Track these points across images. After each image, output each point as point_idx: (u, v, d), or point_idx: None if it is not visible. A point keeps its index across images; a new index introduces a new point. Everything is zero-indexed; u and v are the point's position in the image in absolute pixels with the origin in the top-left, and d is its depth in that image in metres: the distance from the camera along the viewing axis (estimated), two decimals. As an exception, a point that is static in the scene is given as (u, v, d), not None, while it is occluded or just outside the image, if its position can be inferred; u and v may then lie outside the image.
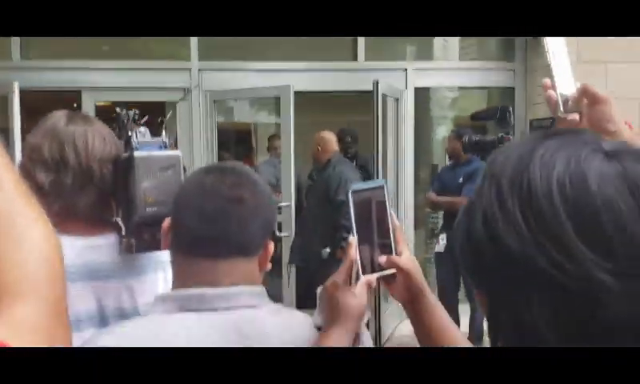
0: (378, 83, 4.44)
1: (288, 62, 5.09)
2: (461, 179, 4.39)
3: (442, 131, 6.91)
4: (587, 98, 0.91)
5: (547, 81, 0.94)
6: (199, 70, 4.99)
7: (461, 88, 5.75)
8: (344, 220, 3.72)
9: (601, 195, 0.52)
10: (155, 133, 1.36)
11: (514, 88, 5.10)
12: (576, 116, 0.91)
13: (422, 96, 5.88)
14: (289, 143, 4.53)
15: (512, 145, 0.61)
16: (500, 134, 2.76)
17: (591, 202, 0.52)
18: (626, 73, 4.59)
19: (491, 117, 3.20)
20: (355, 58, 5.14)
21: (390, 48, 5.40)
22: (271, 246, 1.07)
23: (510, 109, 3.23)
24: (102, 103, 5.14)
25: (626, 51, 4.49)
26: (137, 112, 1.64)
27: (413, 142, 5.13)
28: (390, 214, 1.00)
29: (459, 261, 0.62)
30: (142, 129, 1.35)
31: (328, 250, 3.92)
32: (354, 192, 0.97)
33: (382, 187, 0.99)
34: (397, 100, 5.02)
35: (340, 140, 4.93)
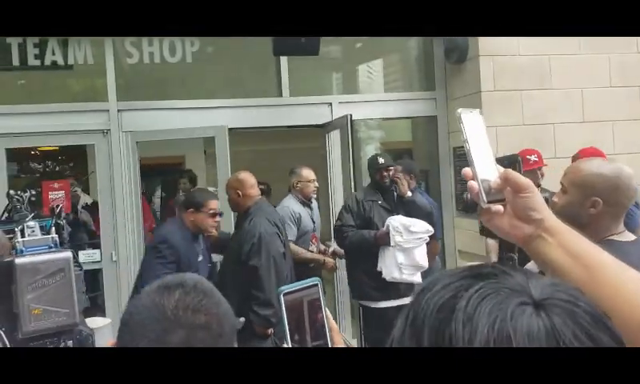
0: (351, 116, 4.64)
1: (212, 99, 5.03)
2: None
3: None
4: (510, 186, 0.85)
5: (467, 170, 0.87)
6: (118, 110, 4.82)
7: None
8: (255, 290, 3.27)
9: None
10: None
11: (436, 117, 5.22)
12: (500, 208, 0.85)
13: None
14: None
15: (435, 281, 0.56)
16: None
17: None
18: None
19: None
20: (280, 93, 5.13)
21: (315, 83, 5.43)
22: None
23: (519, 158, 3.26)
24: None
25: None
26: (32, 193, 1.53)
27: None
28: (326, 313, 0.95)
29: None
30: (32, 223, 1.24)
31: (242, 319, 3.24)
32: (285, 294, 0.91)
33: (315, 285, 0.93)
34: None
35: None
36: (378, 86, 5.97)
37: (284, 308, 0.90)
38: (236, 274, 3.37)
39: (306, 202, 4.42)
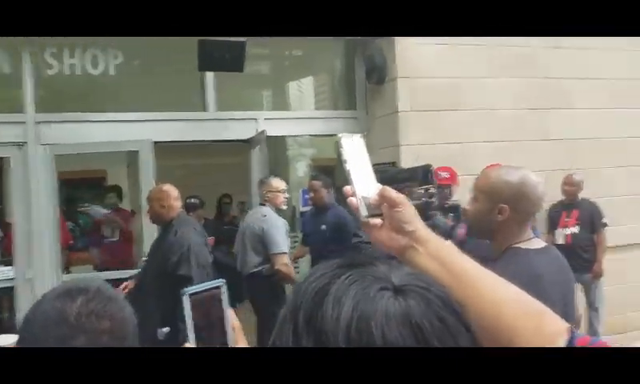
0: (265, 132, 4.67)
1: (135, 112, 4.98)
2: (323, 226, 4.55)
3: (297, 174, 7.15)
4: (386, 202, 0.93)
5: (347, 188, 0.94)
6: (36, 122, 4.68)
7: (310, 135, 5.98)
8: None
9: (383, 338, 0.54)
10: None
11: (358, 135, 5.40)
12: (377, 221, 0.93)
13: (277, 141, 6.03)
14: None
15: (315, 271, 0.63)
16: (423, 199, 2.76)
17: (372, 345, 0.54)
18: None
19: (413, 178, 3.27)
20: (205, 108, 5.16)
21: (242, 99, 5.50)
22: None
23: (432, 168, 3.26)
24: None
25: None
26: None
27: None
28: (228, 313, 0.98)
29: None
30: None
31: (167, 329, 3.26)
32: (191, 294, 0.94)
33: (219, 287, 0.97)
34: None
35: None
36: (304, 104, 6.12)
37: (189, 308, 0.93)
38: (161, 285, 3.35)
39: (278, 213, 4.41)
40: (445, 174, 4.18)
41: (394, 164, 4.96)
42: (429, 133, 4.98)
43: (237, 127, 5.20)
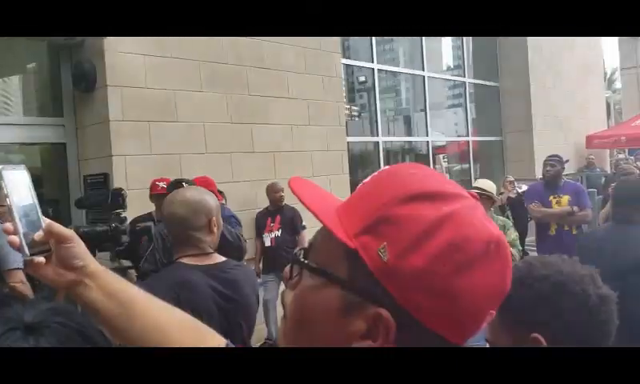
0: None
1: None
2: None
3: None
4: (53, 238, 0.90)
5: (8, 225, 0.88)
6: None
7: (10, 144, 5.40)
8: None
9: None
10: None
11: (65, 144, 5.09)
12: (41, 259, 0.88)
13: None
14: None
15: None
16: (114, 224, 2.52)
17: None
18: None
19: (103, 200, 2.98)
20: None
21: None
22: None
23: (124, 191, 3.04)
24: None
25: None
26: None
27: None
28: None
29: None
30: None
31: None
32: None
33: None
34: None
35: None
36: (9, 109, 5.48)
37: None
38: None
39: None
40: (162, 184, 4.27)
41: (105, 176, 4.82)
42: (143, 144, 4.98)
43: None
